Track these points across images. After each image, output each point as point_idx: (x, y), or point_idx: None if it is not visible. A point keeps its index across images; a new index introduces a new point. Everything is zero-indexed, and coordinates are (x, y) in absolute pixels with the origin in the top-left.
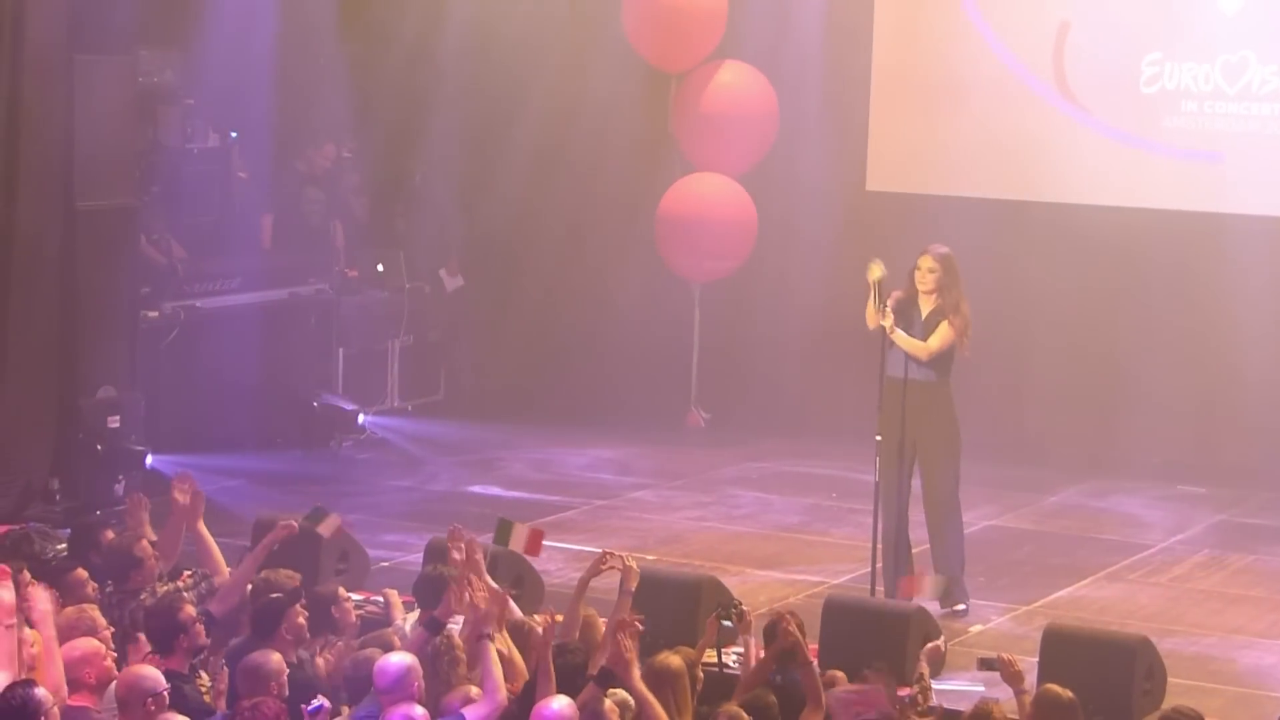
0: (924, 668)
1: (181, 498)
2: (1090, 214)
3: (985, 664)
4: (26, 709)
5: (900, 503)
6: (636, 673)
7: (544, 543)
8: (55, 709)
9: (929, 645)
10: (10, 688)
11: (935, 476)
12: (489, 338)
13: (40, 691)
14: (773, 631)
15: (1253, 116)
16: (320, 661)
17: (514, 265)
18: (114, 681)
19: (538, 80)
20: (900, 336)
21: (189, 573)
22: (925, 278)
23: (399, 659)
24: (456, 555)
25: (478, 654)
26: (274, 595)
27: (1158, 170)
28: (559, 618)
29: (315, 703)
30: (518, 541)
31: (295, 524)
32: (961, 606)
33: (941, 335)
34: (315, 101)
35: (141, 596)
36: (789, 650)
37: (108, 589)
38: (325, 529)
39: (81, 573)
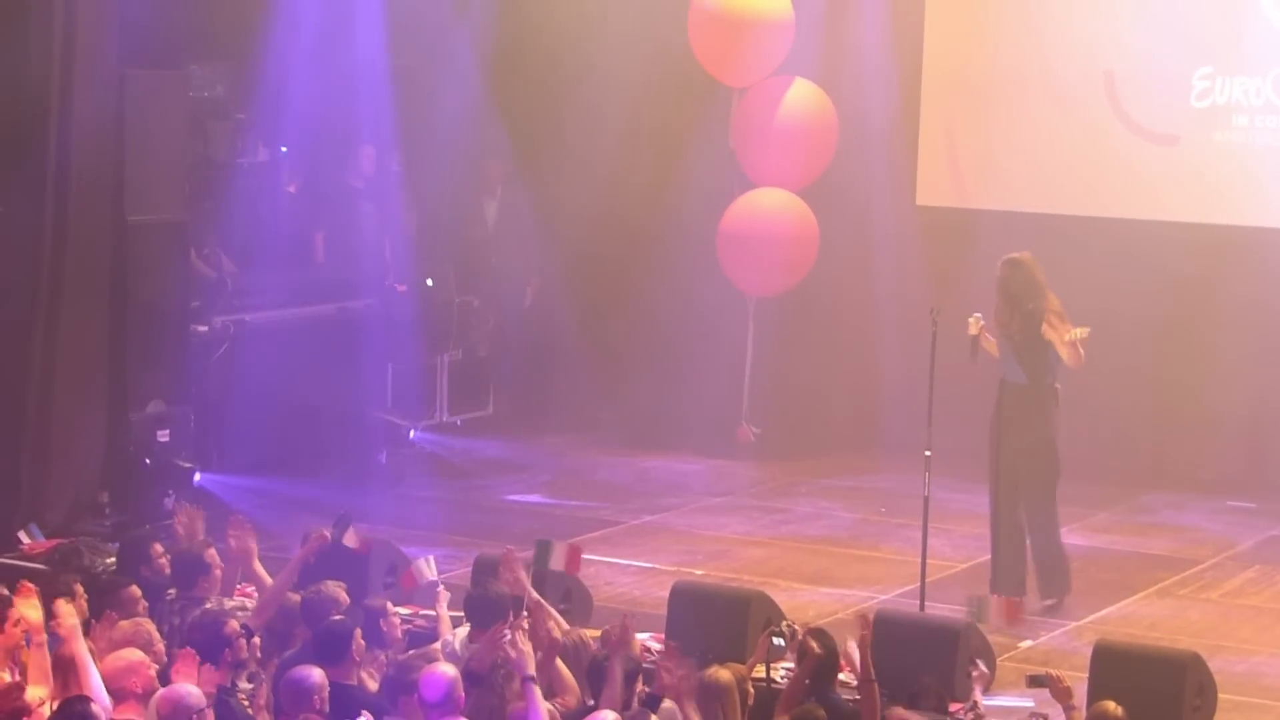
0: (977, 695)
1: (235, 542)
2: (1140, 229)
3: (1034, 681)
4: None
5: (1011, 506)
6: (691, 702)
7: (591, 556)
8: None
9: (975, 672)
10: (68, 703)
11: (1025, 478)
12: (544, 352)
13: (95, 707)
14: (804, 649)
15: None
16: (366, 676)
17: (572, 279)
18: (156, 693)
19: (602, 94)
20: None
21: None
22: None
23: (445, 671)
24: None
25: (522, 693)
26: (338, 618)
27: (1208, 185)
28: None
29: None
30: (558, 560)
31: (327, 534)
32: (1052, 601)
33: (1058, 343)
34: (361, 113)
35: (208, 604)
36: (820, 667)
37: (168, 596)
38: (349, 540)
39: (135, 590)
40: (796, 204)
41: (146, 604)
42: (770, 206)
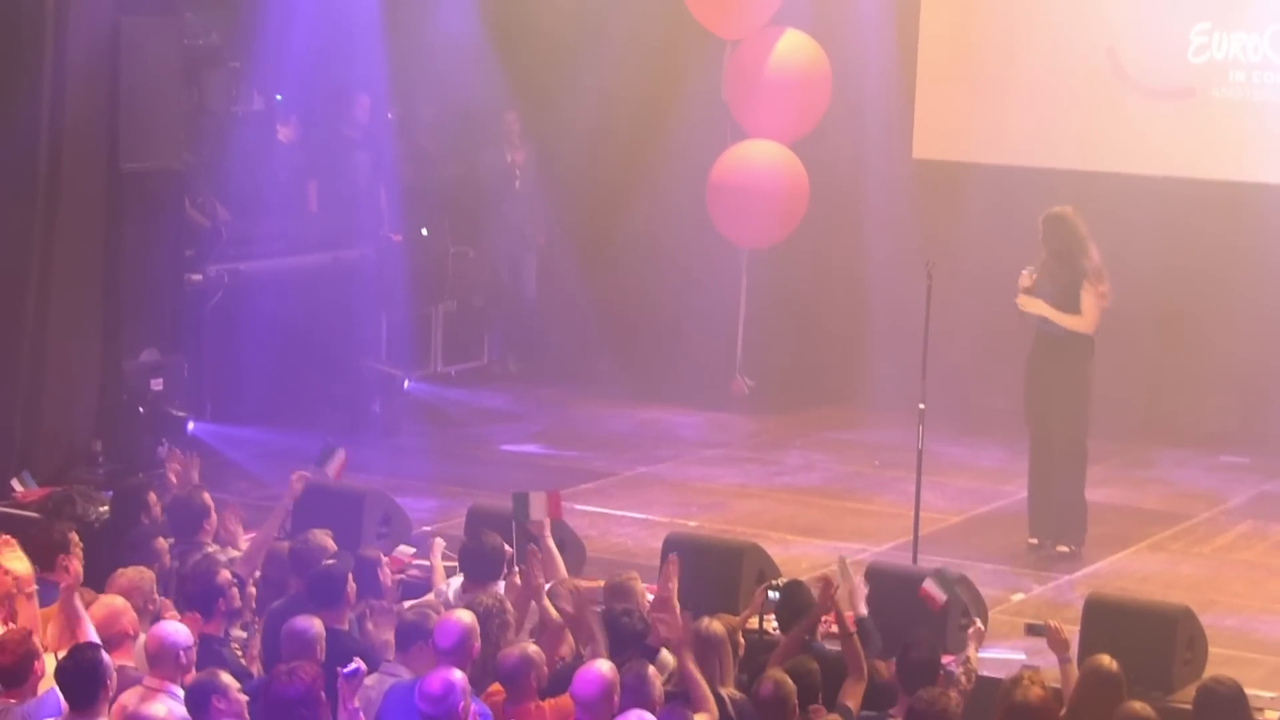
0: (971, 650)
1: (233, 527)
2: (1137, 184)
3: (1033, 630)
4: (96, 671)
5: (1044, 453)
6: (689, 653)
7: (585, 507)
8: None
9: (971, 629)
10: (78, 649)
11: (1056, 426)
12: (539, 303)
13: (105, 654)
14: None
15: None
16: (370, 626)
17: (562, 229)
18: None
19: (593, 45)
20: (1048, 312)
21: None
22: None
23: (462, 619)
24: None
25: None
26: (331, 564)
27: (1205, 140)
28: (599, 583)
29: (351, 666)
30: (538, 509)
31: (307, 474)
32: (1066, 548)
33: (1089, 298)
34: (357, 62)
35: (209, 549)
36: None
37: (168, 542)
38: (332, 469)
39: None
40: (785, 155)
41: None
42: (758, 158)
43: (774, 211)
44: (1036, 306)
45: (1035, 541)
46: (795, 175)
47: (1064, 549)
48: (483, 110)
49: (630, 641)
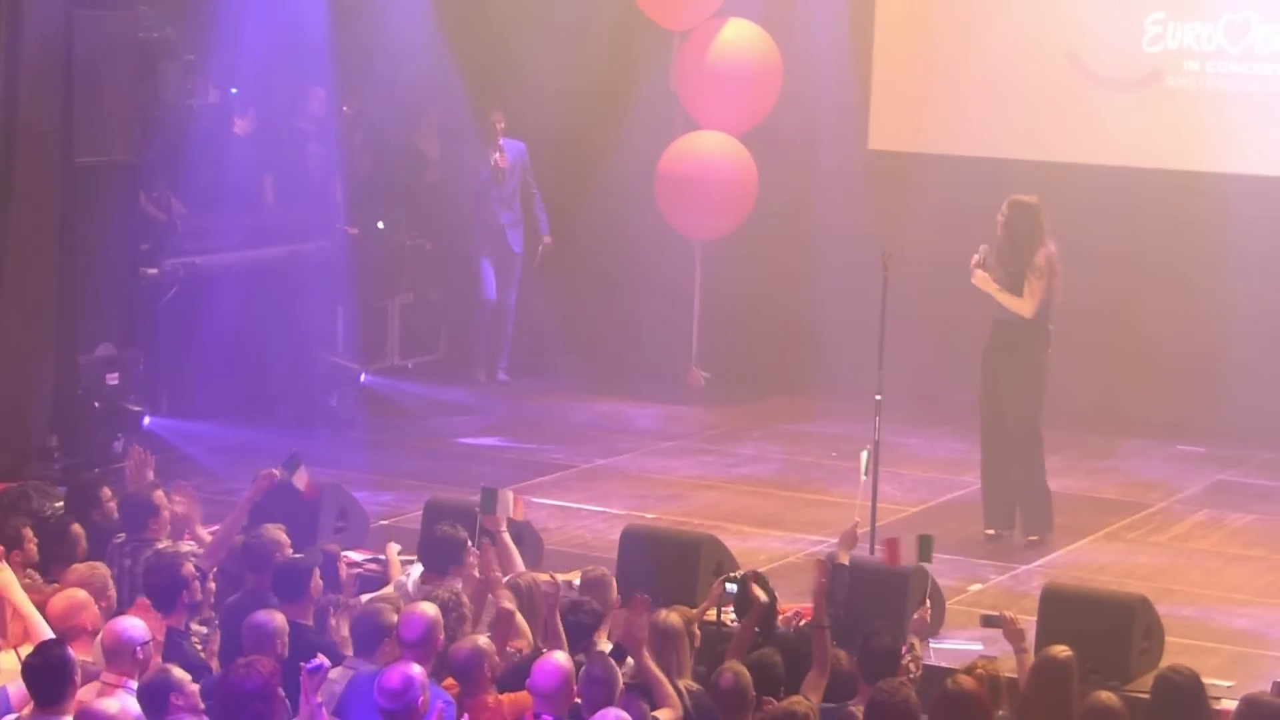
0: (914, 639)
1: (179, 508)
2: (1092, 173)
3: (988, 621)
4: (64, 668)
5: (998, 443)
6: (648, 652)
7: (543, 500)
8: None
9: (915, 616)
10: (44, 647)
11: (1011, 415)
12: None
13: (70, 651)
14: (744, 594)
15: (1255, 76)
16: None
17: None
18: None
19: (541, 37)
20: (994, 290)
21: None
22: (998, 225)
23: (427, 611)
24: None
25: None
26: (299, 557)
27: (1160, 130)
28: (561, 579)
29: (315, 662)
30: (504, 508)
31: (276, 473)
32: (1034, 537)
33: (1034, 282)
34: (312, 56)
35: (159, 545)
36: (766, 611)
37: (118, 539)
38: (299, 480)
39: (77, 529)
40: (732, 145)
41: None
42: (704, 149)
43: (721, 202)
44: (984, 282)
45: (992, 533)
46: (742, 165)
47: (1033, 538)
48: (435, 102)
49: (582, 635)
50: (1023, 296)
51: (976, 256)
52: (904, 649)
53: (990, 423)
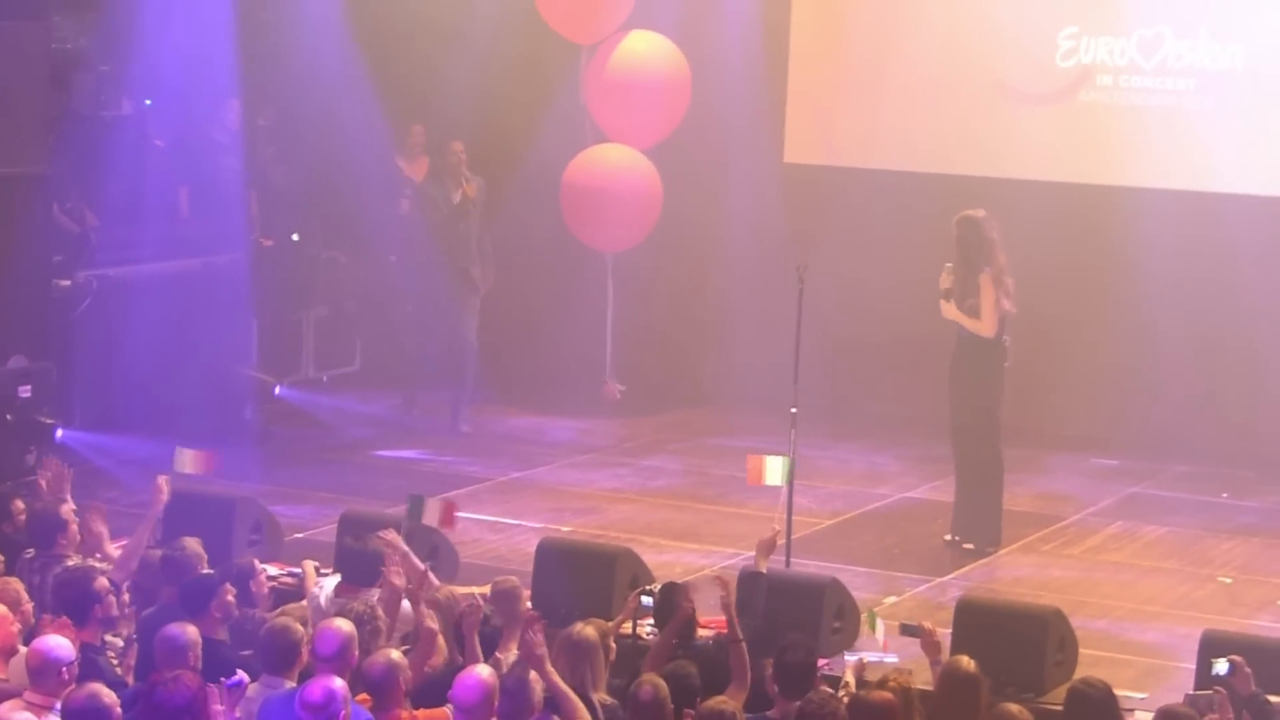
0: (849, 675)
1: (95, 526)
2: (1005, 187)
3: (907, 630)
4: None
5: (961, 455)
6: (550, 666)
7: (458, 513)
8: None
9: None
10: None
11: (967, 428)
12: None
13: None
14: (669, 605)
15: (1168, 91)
16: None
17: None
18: (18, 652)
19: (454, 50)
20: (955, 315)
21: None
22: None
23: (342, 627)
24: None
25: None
26: (207, 573)
27: (1073, 144)
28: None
29: (235, 678)
30: (431, 516)
31: (167, 479)
32: (971, 546)
33: (985, 299)
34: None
35: (67, 562)
36: (687, 622)
37: (27, 555)
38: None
39: None
40: (634, 158)
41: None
42: (606, 162)
43: (623, 215)
44: (951, 313)
45: (948, 538)
46: (646, 178)
47: (970, 546)
48: (348, 113)
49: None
50: (980, 317)
51: (944, 283)
52: (840, 687)
53: (954, 437)
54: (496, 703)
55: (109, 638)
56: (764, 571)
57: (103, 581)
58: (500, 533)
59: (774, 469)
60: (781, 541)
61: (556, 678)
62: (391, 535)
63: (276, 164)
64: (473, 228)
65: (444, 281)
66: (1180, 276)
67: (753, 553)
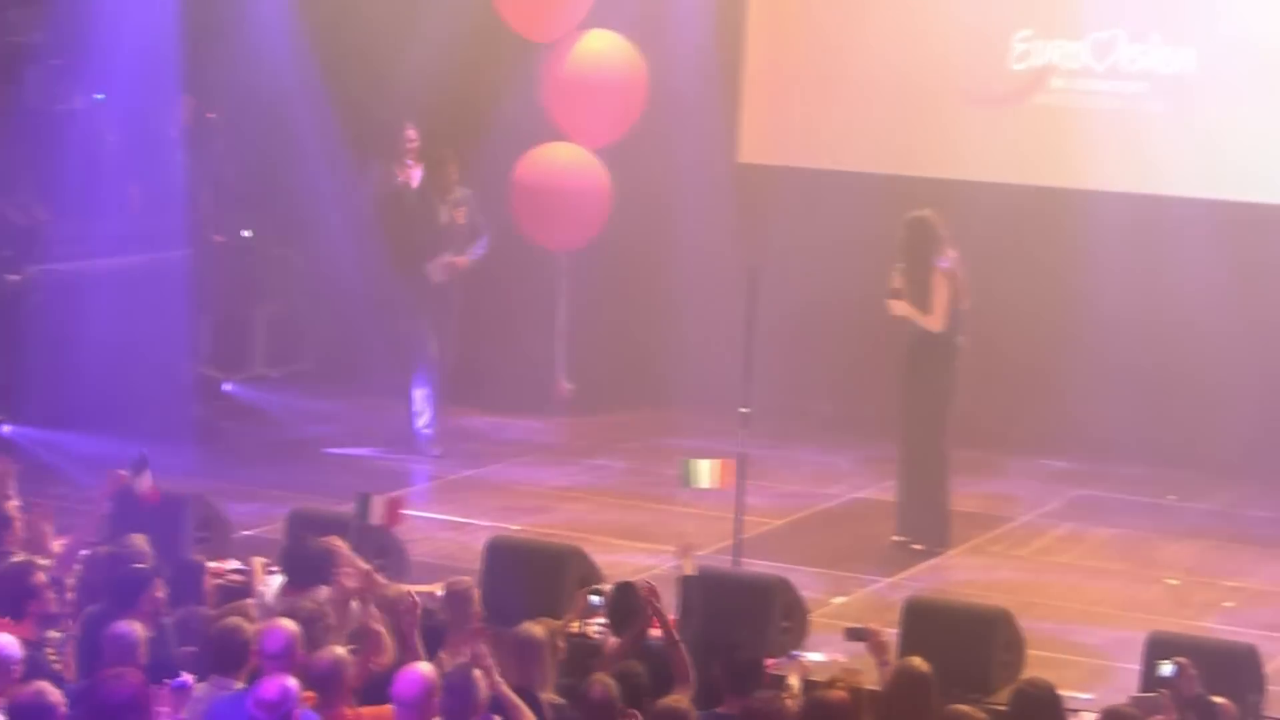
0: (792, 678)
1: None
2: (960, 189)
3: (853, 634)
4: None
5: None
6: (498, 676)
7: (408, 511)
8: None
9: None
10: None
11: (915, 426)
12: (361, 306)
13: None
14: (627, 604)
15: (1121, 94)
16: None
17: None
18: None
19: (406, 51)
20: (906, 311)
21: None
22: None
23: (288, 625)
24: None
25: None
26: (137, 566)
27: (1027, 146)
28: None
29: (179, 679)
30: (377, 514)
31: (123, 474)
32: (919, 547)
33: (937, 295)
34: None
35: (12, 559)
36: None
37: None
38: (141, 484)
39: None
40: (584, 157)
41: None
42: (555, 161)
43: (571, 213)
44: (901, 309)
45: (896, 539)
46: (595, 177)
47: (919, 547)
48: (299, 109)
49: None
50: (930, 313)
51: (894, 283)
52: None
53: (902, 436)
54: (438, 699)
55: (52, 634)
56: (692, 574)
57: (40, 577)
58: (450, 531)
59: (700, 473)
60: (723, 545)
61: (503, 685)
62: (335, 541)
63: (228, 160)
64: (459, 247)
65: (421, 302)
66: (1130, 279)
67: (700, 553)
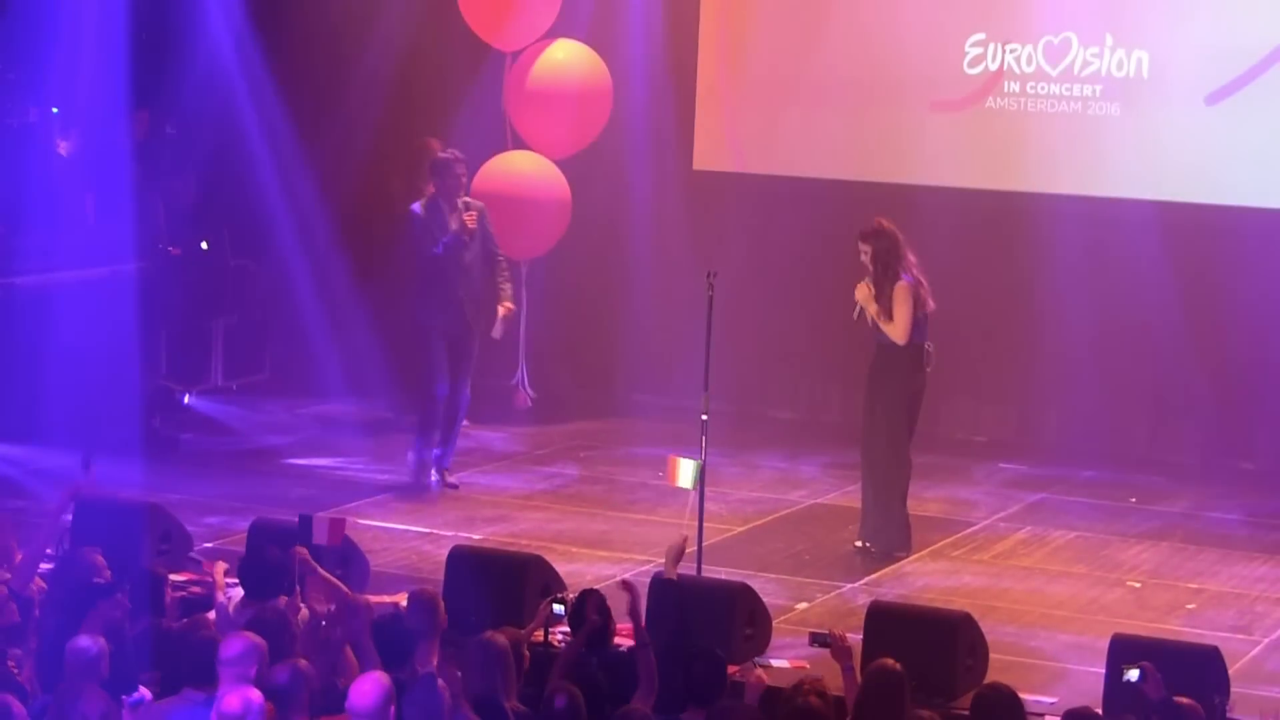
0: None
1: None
2: (915, 194)
3: (816, 640)
4: None
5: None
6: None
7: (369, 521)
8: None
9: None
10: None
11: (879, 434)
12: (322, 317)
13: None
14: (580, 612)
15: (1074, 98)
16: None
17: (344, 245)
18: None
19: (371, 58)
20: (867, 301)
21: None
22: (865, 261)
23: (248, 635)
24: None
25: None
26: (97, 580)
27: (981, 150)
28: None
29: (136, 695)
30: (319, 534)
31: (81, 484)
32: (874, 549)
33: (899, 309)
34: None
35: None
36: (596, 633)
37: None
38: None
39: None
40: (544, 166)
41: None
42: (513, 169)
43: (530, 222)
44: (864, 294)
45: (859, 544)
46: (555, 185)
47: (876, 552)
48: (255, 119)
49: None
50: (893, 322)
51: (860, 294)
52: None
53: (866, 444)
54: (393, 709)
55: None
56: (674, 579)
57: (1, 590)
58: (411, 541)
59: (686, 472)
60: (691, 549)
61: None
62: (303, 551)
63: (183, 172)
64: (470, 263)
65: (434, 325)
66: (1086, 282)
67: (662, 560)
